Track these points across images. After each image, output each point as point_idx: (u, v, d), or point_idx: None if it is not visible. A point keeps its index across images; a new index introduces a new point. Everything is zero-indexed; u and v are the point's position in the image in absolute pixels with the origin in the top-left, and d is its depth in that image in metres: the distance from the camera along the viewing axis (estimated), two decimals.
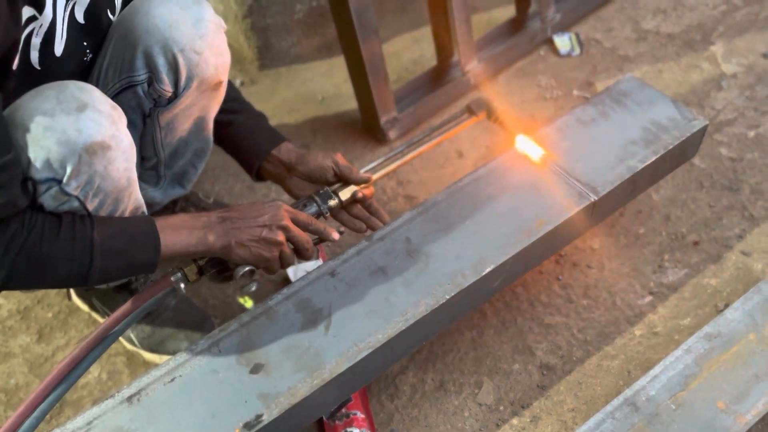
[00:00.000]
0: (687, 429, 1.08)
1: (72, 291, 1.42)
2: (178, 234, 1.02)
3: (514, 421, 1.22)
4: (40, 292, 1.48)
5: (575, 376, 1.26)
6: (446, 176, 1.60)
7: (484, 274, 1.14)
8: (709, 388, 1.12)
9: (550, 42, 1.88)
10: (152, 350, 1.33)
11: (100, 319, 1.39)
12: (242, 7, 1.81)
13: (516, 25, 1.86)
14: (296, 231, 1.10)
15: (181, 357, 1.09)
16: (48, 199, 0.91)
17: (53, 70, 1.00)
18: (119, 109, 0.96)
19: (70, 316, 1.44)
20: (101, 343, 1.05)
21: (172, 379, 1.07)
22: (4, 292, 1.48)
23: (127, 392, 1.06)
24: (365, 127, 1.71)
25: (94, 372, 1.34)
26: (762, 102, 1.66)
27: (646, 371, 1.23)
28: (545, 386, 1.25)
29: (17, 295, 1.48)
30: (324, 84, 1.88)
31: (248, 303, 1.43)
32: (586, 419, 1.18)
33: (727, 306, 1.30)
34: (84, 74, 1.10)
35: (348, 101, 1.81)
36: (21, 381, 1.35)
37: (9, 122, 0.88)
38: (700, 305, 1.33)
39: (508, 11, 1.92)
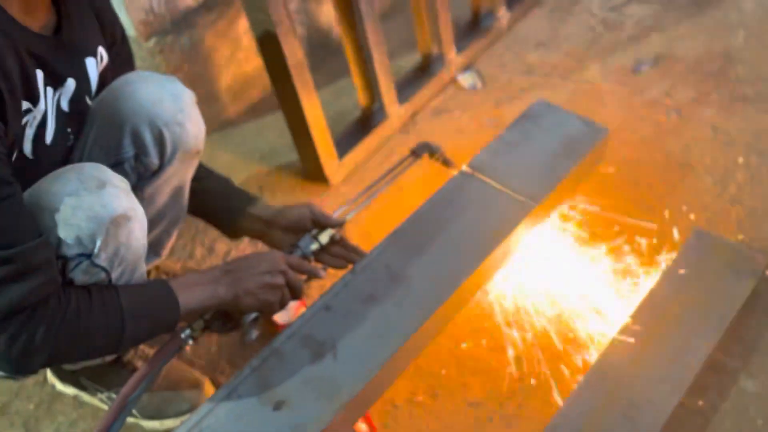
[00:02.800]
0: (650, 384, 1.27)
1: (54, 377, 1.42)
2: (191, 291, 1.09)
3: (503, 411, 1.36)
4: (15, 386, 1.46)
5: (546, 363, 1.43)
6: (390, 209, 1.75)
7: (460, 284, 1.29)
8: (658, 348, 1.33)
9: (455, 81, 2.11)
10: (153, 417, 1.35)
11: (91, 399, 1.39)
12: None
13: (423, 69, 2.08)
14: (292, 273, 1.21)
15: (202, 410, 1.14)
16: (79, 273, 0.97)
17: (43, 158, 1.05)
18: (128, 183, 1.03)
19: (53, 403, 1.43)
20: (122, 411, 1.09)
21: None
22: None
23: None
24: (309, 176, 1.84)
25: None
26: (638, 110, 1.97)
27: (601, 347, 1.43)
28: (523, 376, 1.41)
29: None
30: (258, 143, 1.99)
31: None
32: (566, 399, 1.36)
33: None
34: (66, 158, 1.15)
35: (284, 155, 1.94)
36: None
37: (35, 207, 0.93)
38: (632, 284, 1.56)
39: (411, 59, 2.14)
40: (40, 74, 1.00)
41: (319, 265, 1.33)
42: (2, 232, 0.86)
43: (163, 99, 1.15)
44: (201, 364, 1.48)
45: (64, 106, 1.09)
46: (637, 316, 1.39)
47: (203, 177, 1.37)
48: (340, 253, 1.36)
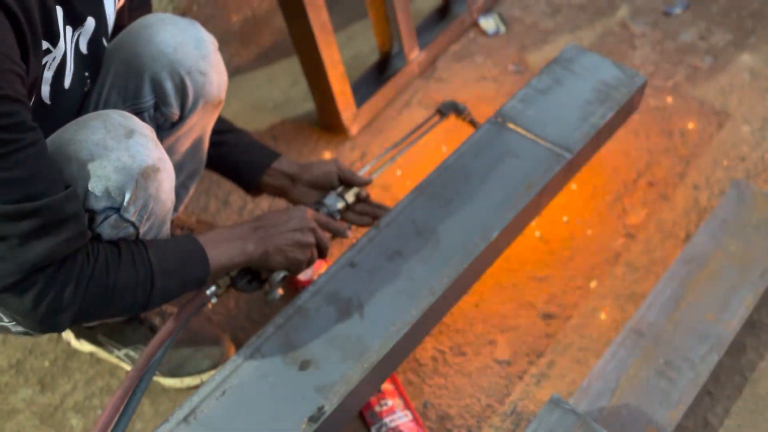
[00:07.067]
0: (688, 343, 1.23)
1: (69, 333, 1.38)
2: (219, 247, 1.05)
3: (533, 369, 1.32)
4: (29, 342, 1.42)
5: (576, 320, 1.38)
6: (410, 162, 1.68)
7: (492, 239, 1.23)
8: (696, 305, 1.28)
9: (476, 25, 2.00)
10: (172, 375, 1.32)
11: (107, 356, 1.35)
12: None
13: (443, 12, 1.97)
14: (321, 231, 1.16)
15: (226, 369, 1.11)
16: (107, 228, 0.91)
17: (60, 103, 0.99)
18: (154, 132, 0.97)
19: (68, 360, 1.39)
20: (147, 371, 1.04)
21: (223, 392, 1.08)
22: None
23: (181, 413, 1.06)
24: (325, 126, 1.76)
25: None
26: (672, 55, 1.87)
27: (635, 304, 1.38)
28: (551, 333, 1.37)
29: (6, 349, 1.41)
30: (271, 91, 1.90)
31: None
32: (596, 354, 1.32)
33: (687, 235, 1.48)
34: (81, 105, 1.08)
35: (298, 104, 1.85)
36: None
37: (59, 157, 0.87)
38: (665, 238, 1.49)
39: (430, 1, 2.03)
40: (60, 11, 0.92)
41: (344, 224, 1.28)
42: (28, 182, 0.79)
43: (185, 44, 1.06)
44: (219, 320, 1.44)
45: (83, 47, 1.01)
46: (673, 271, 1.33)
47: (223, 130, 1.30)
48: (365, 210, 1.31)
